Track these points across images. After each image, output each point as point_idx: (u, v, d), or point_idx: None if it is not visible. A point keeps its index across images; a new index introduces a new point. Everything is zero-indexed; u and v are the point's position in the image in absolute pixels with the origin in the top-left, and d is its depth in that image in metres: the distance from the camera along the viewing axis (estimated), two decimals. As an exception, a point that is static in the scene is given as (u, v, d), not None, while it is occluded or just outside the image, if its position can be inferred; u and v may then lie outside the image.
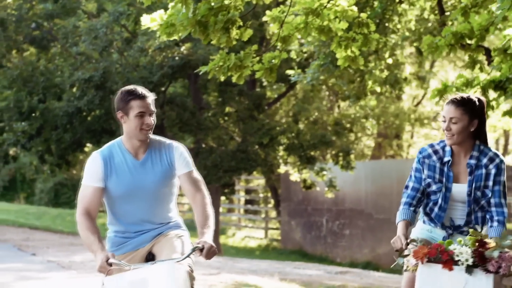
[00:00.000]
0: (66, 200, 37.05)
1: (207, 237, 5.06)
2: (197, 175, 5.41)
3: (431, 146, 5.66)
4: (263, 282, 13.24)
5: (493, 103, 9.13)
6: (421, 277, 5.05)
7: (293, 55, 16.12)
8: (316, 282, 14.25)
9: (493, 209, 5.51)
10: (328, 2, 8.66)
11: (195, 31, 8.45)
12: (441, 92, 8.75)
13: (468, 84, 8.70)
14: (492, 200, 5.52)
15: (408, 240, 5.32)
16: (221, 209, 25.82)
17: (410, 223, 5.52)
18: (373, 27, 8.73)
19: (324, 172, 21.08)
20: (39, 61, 21.59)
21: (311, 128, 21.15)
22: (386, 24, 13.40)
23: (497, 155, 5.56)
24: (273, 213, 29.32)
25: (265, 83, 20.72)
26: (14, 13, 20.37)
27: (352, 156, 20.70)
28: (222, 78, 8.96)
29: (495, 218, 5.48)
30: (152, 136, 5.36)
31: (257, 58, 8.74)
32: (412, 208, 5.54)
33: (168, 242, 5.31)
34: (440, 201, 5.55)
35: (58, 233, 23.86)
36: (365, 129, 25.91)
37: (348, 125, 22.46)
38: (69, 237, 22.57)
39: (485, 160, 5.52)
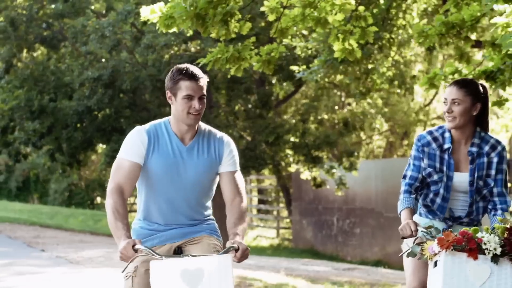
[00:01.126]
0: (79, 201, 37.31)
1: (241, 239, 4.69)
2: (241, 177, 5.04)
3: (430, 133, 5.41)
4: (269, 277, 13.31)
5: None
6: (446, 266, 4.68)
7: (298, 51, 16.15)
8: (322, 278, 14.30)
9: (496, 199, 5.31)
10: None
11: (193, 24, 8.53)
12: (431, 79, 8.79)
13: (457, 73, 8.74)
14: (495, 190, 5.32)
15: (418, 227, 5.06)
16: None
17: (413, 210, 5.29)
18: (370, 20, 8.78)
19: (334, 171, 21.10)
20: (50, 60, 21.76)
21: (317, 128, 21.16)
22: (390, 22, 13.42)
23: (499, 142, 5.35)
24: (284, 213, 29.38)
25: (274, 81, 20.75)
26: (25, 13, 20.55)
27: (355, 157, 20.68)
28: (226, 71, 9.01)
29: (498, 206, 5.28)
30: (202, 123, 4.99)
31: (255, 50, 8.80)
32: (413, 196, 5.30)
33: (203, 249, 4.87)
34: (442, 191, 5.31)
35: (69, 231, 24.04)
36: (374, 128, 25.88)
37: (356, 124, 22.41)
38: (80, 235, 22.74)
39: (487, 148, 5.31)
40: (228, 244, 4.65)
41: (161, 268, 4.50)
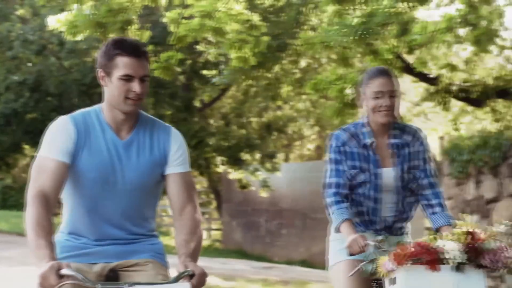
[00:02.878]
0: (14, 203, 37.24)
1: (195, 261, 3.72)
2: (192, 180, 4.07)
3: (346, 130, 4.82)
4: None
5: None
6: (407, 283, 4.13)
7: (211, 57, 16.70)
8: (238, 276, 14.72)
9: (427, 192, 4.79)
10: (223, 6, 9.25)
11: (95, 31, 9.01)
12: (316, 85, 9.35)
13: (341, 79, 9.32)
14: (425, 181, 4.79)
15: (368, 241, 4.51)
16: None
17: (353, 221, 4.67)
18: (263, 29, 9.34)
19: (258, 173, 21.69)
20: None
21: (238, 131, 21.75)
22: (301, 28, 13.95)
23: (419, 130, 4.90)
24: (215, 214, 29.85)
25: (196, 86, 21.29)
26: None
27: (277, 160, 21.31)
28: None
29: (434, 202, 4.76)
30: (143, 112, 4.01)
31: (155, 58, 9.31)
32: (346, 205, 4.67)
33: (148, 279, 3.84)
34: (372, 192, 4.75)
35: (-3, 233, 24.09)
36: (300, 130, 26.53)
37: (281, 127, 23.03)
38: (7, 235, 22.81)
39: (408, 138, 4.83)
40: (180, 268, 3.64)
41: None
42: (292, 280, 15.11)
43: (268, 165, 21.13)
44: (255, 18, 9.32)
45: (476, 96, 12.81)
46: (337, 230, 4.66)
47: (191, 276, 3.58)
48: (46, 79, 19.28)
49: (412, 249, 4.13)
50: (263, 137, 21.77)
